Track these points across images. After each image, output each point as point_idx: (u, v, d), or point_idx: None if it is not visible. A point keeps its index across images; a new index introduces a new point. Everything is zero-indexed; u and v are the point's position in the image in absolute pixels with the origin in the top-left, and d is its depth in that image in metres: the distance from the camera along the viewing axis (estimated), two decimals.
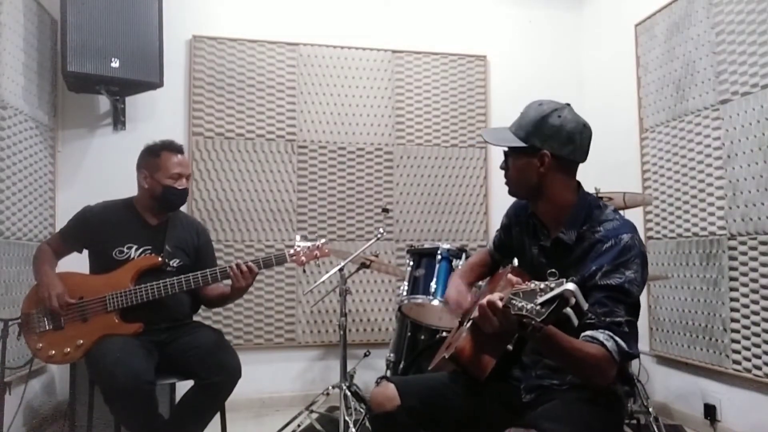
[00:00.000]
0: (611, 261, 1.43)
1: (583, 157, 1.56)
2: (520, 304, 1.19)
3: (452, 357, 1.58)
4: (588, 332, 1.38)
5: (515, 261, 1.81)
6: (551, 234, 1.60)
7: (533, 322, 1.17)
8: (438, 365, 1.75)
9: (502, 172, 1.67)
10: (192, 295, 2.50)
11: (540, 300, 1.16)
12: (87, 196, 2.56)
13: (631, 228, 1.50)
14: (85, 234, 2.39)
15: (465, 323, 1.74)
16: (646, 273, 1.48)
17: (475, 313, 1.39)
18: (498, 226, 1.95)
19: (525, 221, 1.72)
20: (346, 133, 3.89)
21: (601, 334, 1.37)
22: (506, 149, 1.61)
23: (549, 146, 1.52)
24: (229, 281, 2.37)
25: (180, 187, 2.38)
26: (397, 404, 1.59)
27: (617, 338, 1.37)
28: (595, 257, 1.46)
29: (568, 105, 1.57)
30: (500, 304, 1.25)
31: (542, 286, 1.18)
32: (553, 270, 1.20)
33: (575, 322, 1.16)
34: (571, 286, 1.14)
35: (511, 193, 1.67)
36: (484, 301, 1.30)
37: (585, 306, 1.17)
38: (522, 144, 1.54)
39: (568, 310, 1.14)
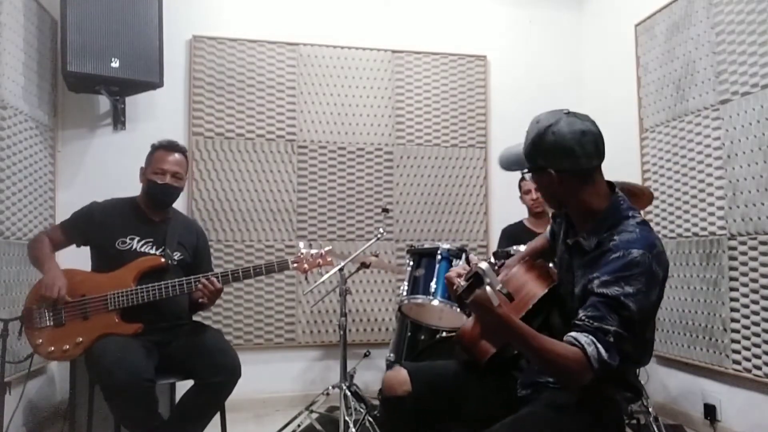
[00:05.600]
0: (612, 272, 1.39)
1: (592, 161, 1.50)
2: (459, 282, 1.41)
3: (457, 339, 1.66)
4: (572, 333, 1.37)
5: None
6: (576, 235, 1.59)
7: (458, 293, 1.38)
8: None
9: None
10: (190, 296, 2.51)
11: (465, 276, 1.39)
12: (87, 196, 2.57)
13: (648, 245, 1.42)
14: (87, 227, 2.42)
15: None
16: (655, 293, 1.42)
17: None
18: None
19: (562, 217, 1.72)
20: (346, 133, 3.89)
21: (583, 338, 1.34)
22: (530, 173, 1.61)
23: (551, 164, 1.49)
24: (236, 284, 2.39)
25: (160, 182, 2.40)
26: (408, 389, 1.65)
27: (599, 345, 1.33)
28: (601, 265, 1.44)
29: (566, 114, 1.51)
30: (456, 281, 1.45)
31: (473, 265, 1.38)
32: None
33: (494, 301, 1.30)
34: (483, 265, 1.32)
35: (549, 210, 1.74)
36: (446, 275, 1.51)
37: (497, 286, 1.32)
38: (528, 165, 1.56)
39: (488, 288, 1.30)
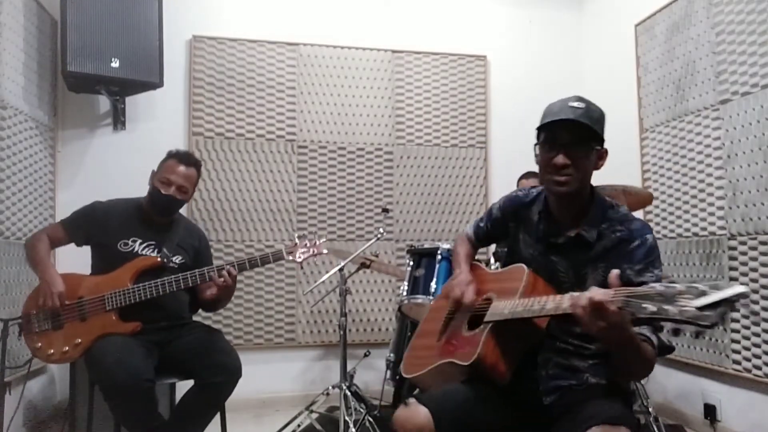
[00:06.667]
0: (641, 260, 1.45)
1: None
2: (652, 308, 1.12)
3: (474, 363, 1.49)
4: (634, 328, 1.35)
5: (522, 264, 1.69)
6: (567, 231, 1.57)
7: (699, 326, 1.06)
8: (439, 369, 1.63)
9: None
10: (191, 296, 2.51)
11: (701, 303, 1.04)
12: (87, 196, 2.57)
13: (650, 228, 1.54)
14: (89, 226, 2.41)
15: (460, 322, 1.69)
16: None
17: (534, 306, 1.39)
18: None
19: (525, 218, 1.69)
20: (346, 133, 3.89)
21: (646, 330, 1.37)
22: (571, 144, 1.51)
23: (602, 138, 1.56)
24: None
25: (164, 192, 2.38)
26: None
27: (657, 332, 1.38)
28: (622, 257, 1.47)
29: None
30: (614, 307, 1.20)
31: (681, 288, 1.07)
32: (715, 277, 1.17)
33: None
34: (741, 289, 1.02)
35: (572, 192, 1.52)
36: (591, 299, 1.22)
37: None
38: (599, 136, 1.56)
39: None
